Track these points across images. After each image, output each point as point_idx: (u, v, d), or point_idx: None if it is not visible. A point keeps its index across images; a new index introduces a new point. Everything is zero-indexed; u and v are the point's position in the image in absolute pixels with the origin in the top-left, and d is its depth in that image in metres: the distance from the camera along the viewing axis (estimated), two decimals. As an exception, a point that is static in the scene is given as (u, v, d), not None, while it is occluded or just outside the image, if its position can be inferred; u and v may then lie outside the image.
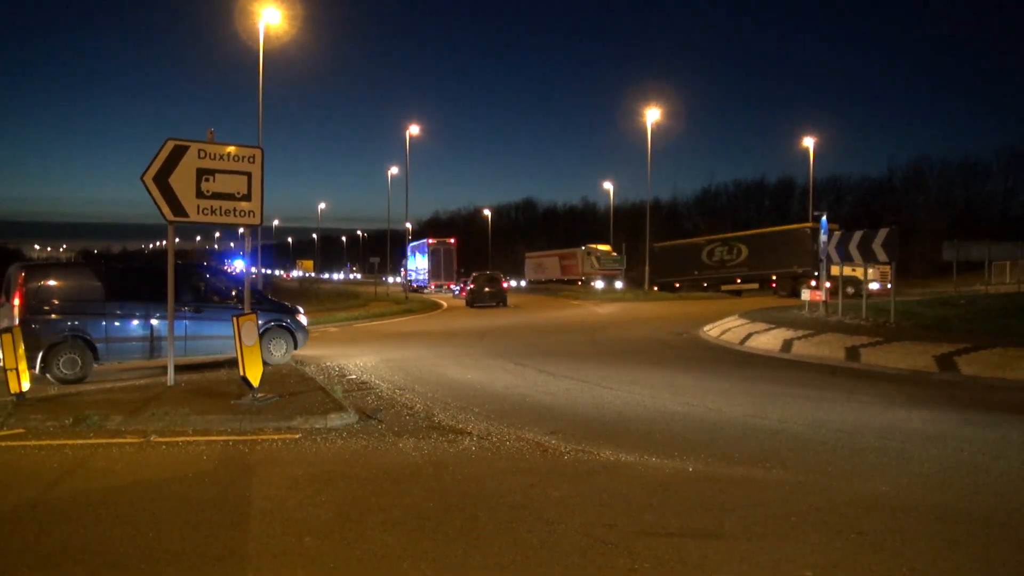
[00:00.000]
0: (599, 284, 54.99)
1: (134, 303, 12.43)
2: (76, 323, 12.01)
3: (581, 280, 59.13)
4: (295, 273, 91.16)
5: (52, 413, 8.37)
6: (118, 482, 5.99)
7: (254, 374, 8.94)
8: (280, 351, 13.75)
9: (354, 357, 15.00)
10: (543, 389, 10.92)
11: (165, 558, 4.33)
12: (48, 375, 11.75)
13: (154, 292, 12.14)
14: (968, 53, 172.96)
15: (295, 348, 14.14)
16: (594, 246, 61.82)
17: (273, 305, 14.78)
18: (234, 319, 8.86)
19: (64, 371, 11.77)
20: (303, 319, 14.69)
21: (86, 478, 6.13)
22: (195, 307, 13.03)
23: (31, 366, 11.66)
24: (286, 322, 14.10)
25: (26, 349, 11.38)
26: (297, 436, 7.49)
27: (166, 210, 9.80)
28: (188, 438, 7.42)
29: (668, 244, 51.15)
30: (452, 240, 55.43)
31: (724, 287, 42.34)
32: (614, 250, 58.97)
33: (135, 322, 12.43)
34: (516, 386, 11.25)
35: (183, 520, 4.95)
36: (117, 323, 12.30)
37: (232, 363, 13.08)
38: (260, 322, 13.29)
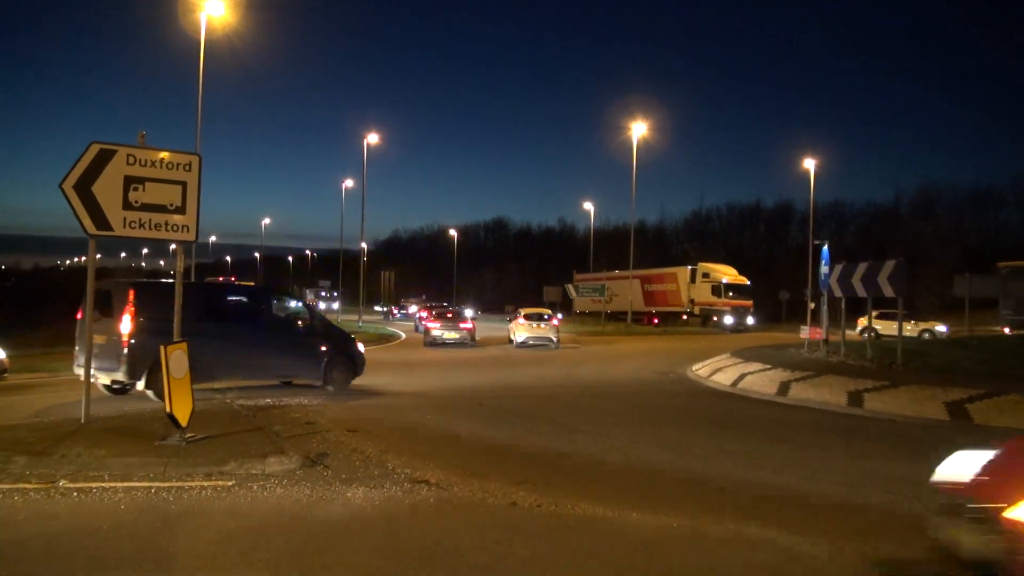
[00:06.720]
0: (728, 321, 45.46)
1: (224, 323, 13.88)
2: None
3: (687, 313, 49.10)
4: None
5: (-55, 453, 8.10)
6: (19, 535, 5.81)
7: (182, 411, 8.77)
8: (342, 379, 15.04)
9: (299, 393, 14.80)
10: (510, 432, 10.87)
11: (71, 625, 4.20)
12: (150, 391, 12.65)
13: (236, 313, 14.25)
14: (980, 74, 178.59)
15: (355, 377, 15.41)
16: (711, 266, 50.84)
17: (339, 333, 16.34)
18: (162, 348, 8.70)
19: None
20: (361, 347, 16.15)
21: (-19, 530, 5.94)
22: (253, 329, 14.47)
23: (135, 379, 12.85)
24: (349, 351, 15.57)
25: (133, 366, 12.75)
26: (230, 483, 7.35)
27: (88, 222, 9.60)
28: (104, 484, 7.24)
29: None
30: (255, 283, 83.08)
31: None
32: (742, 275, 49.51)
33: (225, 343, 13.41)
34: (479, 426, 11.18)
35: (94, 580, 4.81)
36: (212, 343, 12.93)
37: (291, 386, 15.13)
38: (325, 349, 15.23)
